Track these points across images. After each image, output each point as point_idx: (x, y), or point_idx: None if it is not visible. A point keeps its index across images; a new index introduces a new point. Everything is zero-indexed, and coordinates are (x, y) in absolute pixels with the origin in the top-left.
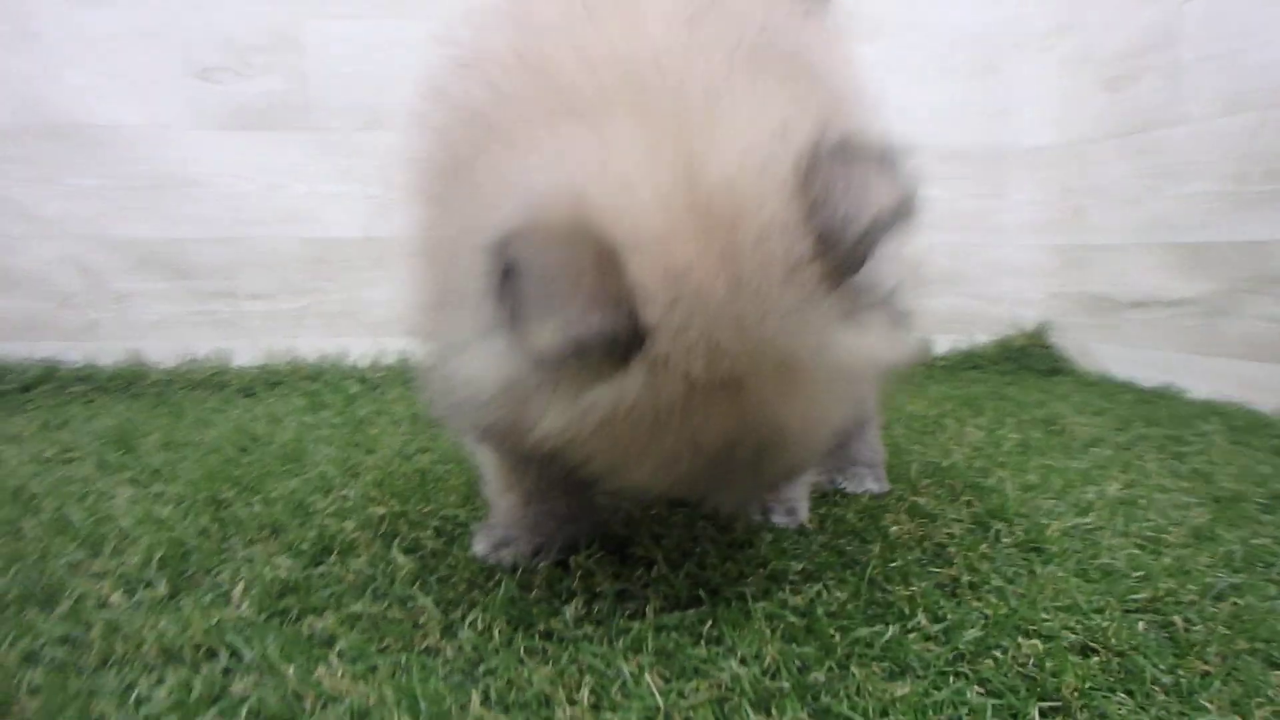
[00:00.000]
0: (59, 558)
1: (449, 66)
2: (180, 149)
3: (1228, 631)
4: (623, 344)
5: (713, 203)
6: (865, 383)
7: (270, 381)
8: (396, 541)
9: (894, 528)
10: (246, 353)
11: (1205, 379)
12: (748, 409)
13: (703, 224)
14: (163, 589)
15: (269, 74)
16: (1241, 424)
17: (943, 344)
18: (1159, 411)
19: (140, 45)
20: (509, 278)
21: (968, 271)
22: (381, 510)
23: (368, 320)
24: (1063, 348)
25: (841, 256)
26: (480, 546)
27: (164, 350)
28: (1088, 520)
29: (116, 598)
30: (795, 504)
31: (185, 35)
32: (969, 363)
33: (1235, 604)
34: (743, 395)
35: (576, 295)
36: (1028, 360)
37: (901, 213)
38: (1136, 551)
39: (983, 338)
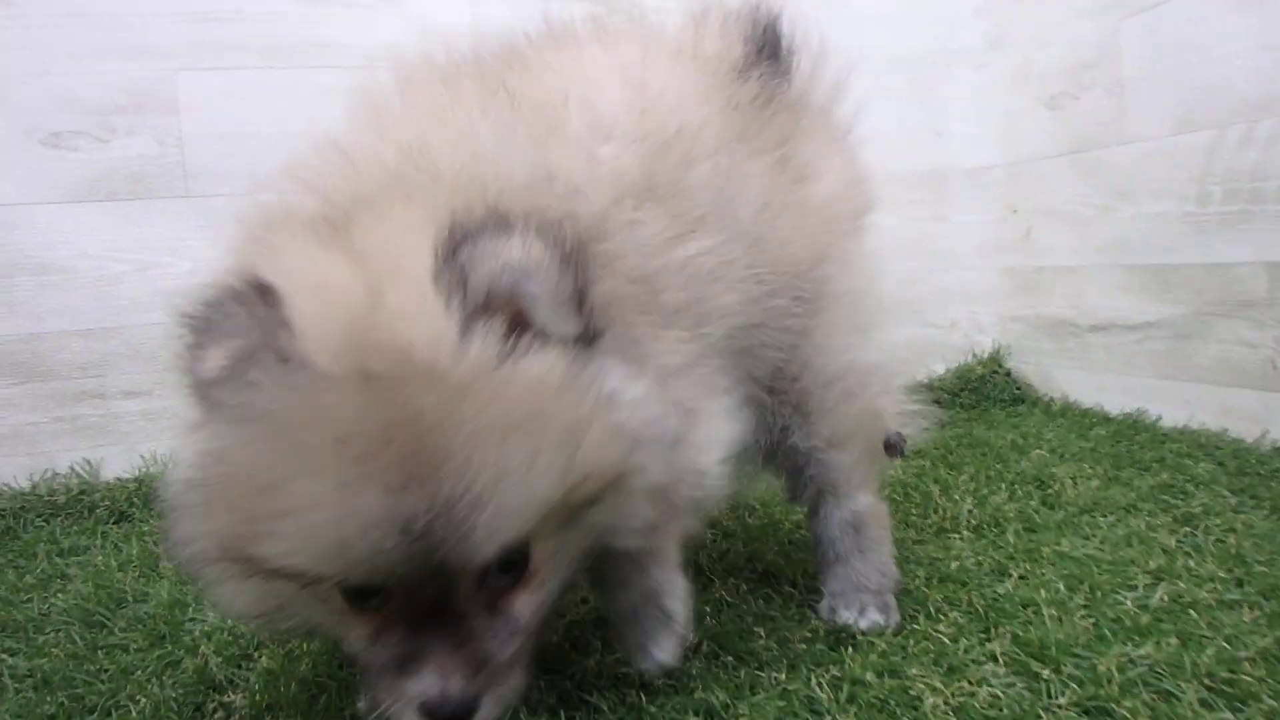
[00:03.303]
0: None
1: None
2: (32, 231)
3: None
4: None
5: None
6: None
7: (149, 497)
8: None
9: (928, 697)
10: (119, 462)
11: (1176, 405)
12: (388, 404)
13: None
14: None
15: (134, 136)
16: (1232, 463)
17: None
18: (1142, 451)
19: None
20: None
21: (918, 299)
22: None
23: None
24: (1022, 374)
25: (463, 298)
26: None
27: (15, 468)
28: (1144, 653)
29: None
30: (668, 605)
31: (27, 100)
32: (930, 397)
33: None
34: (377, 387)
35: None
36: (988, 390)
37: (521, 269)
38: (1225, 713)
39: (940, 367)
